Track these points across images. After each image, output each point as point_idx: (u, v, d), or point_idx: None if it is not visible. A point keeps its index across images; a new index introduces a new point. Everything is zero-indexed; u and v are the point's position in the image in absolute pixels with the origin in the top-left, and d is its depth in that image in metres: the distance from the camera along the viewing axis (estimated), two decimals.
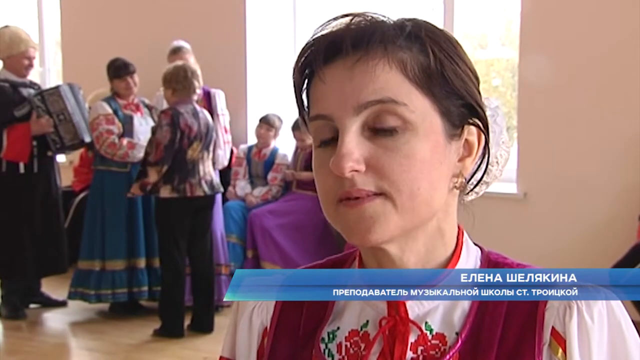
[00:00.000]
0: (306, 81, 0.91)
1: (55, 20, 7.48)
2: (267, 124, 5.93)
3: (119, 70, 5.33)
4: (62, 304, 5.66)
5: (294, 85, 0.91)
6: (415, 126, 0.85)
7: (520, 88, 5.29)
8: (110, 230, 5.35)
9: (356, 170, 0.84)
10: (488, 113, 0.96)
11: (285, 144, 6.10)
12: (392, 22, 0.89)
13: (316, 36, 0.89)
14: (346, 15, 0.89)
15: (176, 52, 5.72)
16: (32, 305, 5.63)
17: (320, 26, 0.90)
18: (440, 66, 0.86)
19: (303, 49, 0.90)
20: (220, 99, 5.71)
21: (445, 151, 0.88)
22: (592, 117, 4.96)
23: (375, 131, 0.85)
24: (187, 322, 5.02)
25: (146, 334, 5.02)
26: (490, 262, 0.96)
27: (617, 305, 0.90)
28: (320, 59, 0.87)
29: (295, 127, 5.77)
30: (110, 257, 5.34)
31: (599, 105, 4.94)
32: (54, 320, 5.50)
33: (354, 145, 0.84)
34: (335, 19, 0.89)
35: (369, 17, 0.88)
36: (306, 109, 0.91)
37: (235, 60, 6.20)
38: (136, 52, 5.63)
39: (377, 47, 0.85)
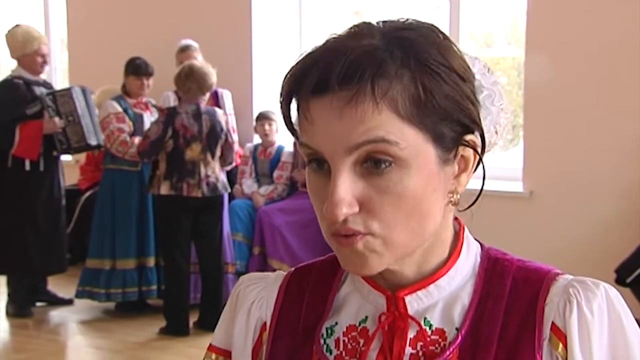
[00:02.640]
0: (294, 109, 0.88)
1: (61, 19, 7.50)
2: (266, 118, 5.92)
3: (138, 68, 5.37)
4: (68, 302, 5.67)
5: (282, 115, 0.88)
6: (407, 163, 0.83)
7: (526, 86, 5.28)
8: (121, 229, 5.36)
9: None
10: (485, 93, 0.93)
11: (289, 142, 6.10)
12: (380, 47, 0.83)
13: (299, 69, 0.85)
14: (329, 40, 0.85)
15: (184, 50, 5.76)
16: (38, 304, 5.65)
17: (302, 58, 0.86)
18: (430, 96, 0.83)
19: (286, 80, 0.87)
20: (228, 98, 5.72)
21: (439, 177, 0.86)
22: (597, 116, 4.95)
23: (367, 169, 0.84)
24: (194, 319, 5.03)
25: (152, 332, 5.03)
26: (490, 258, 0.96)
27: (617, 299, 0.89)
28: (307, 94, 0.83)
29: None
30: (121, 256, 5.35)
31: (605, 104, 4.92)
32: (61, 318, 5.52)
33: (347, 188, 0.83)
34: (316, 48, 0.85)
35: (354, 46, 0.82)
36: (298, 133, 0.88)
37: (241, 60, 6.20)
38: (141, 51, 5.63)
39: (365, 85, 0.81)
